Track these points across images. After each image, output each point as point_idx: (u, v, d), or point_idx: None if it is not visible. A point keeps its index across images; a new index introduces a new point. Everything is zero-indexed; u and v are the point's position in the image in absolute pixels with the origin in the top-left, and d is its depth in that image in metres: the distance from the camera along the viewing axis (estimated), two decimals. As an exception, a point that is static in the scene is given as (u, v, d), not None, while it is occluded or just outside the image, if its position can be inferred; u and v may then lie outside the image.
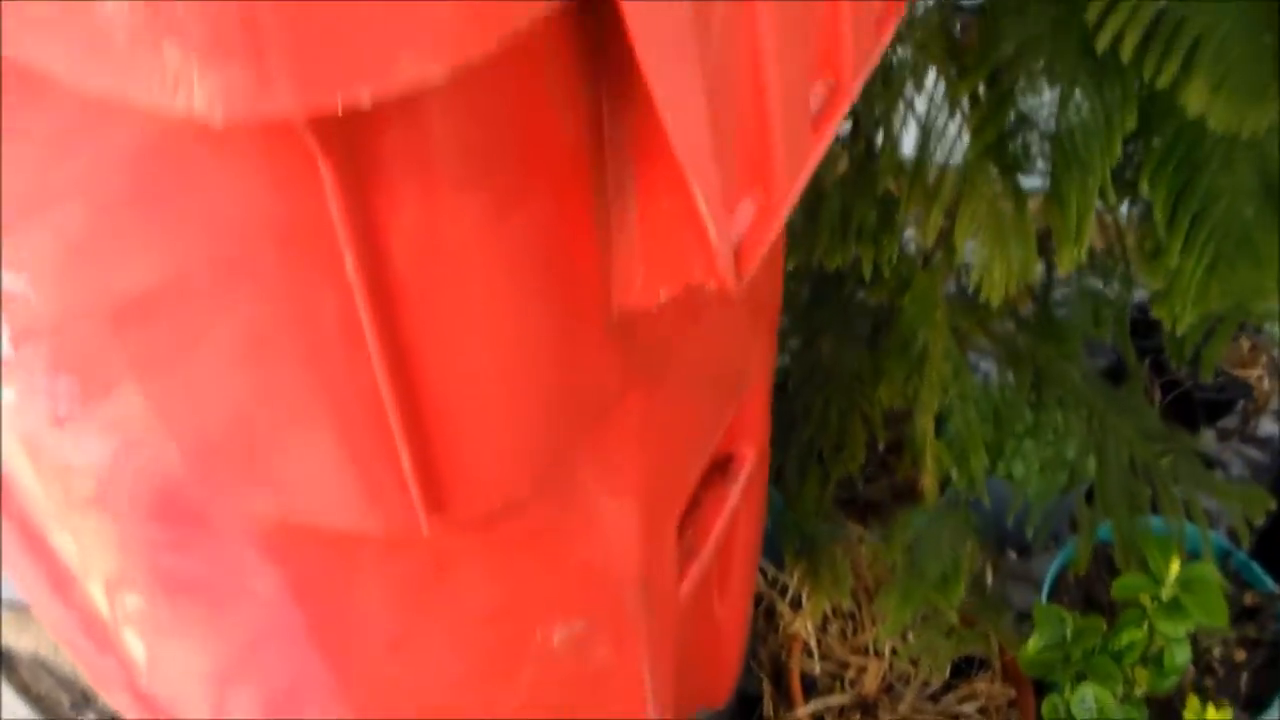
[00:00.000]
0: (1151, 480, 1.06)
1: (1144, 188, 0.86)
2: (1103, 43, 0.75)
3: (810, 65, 0.57)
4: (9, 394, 0.58)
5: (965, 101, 0.89)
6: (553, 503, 0.61)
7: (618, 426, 0.62)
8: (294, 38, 0.31)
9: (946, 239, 0.91)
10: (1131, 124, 0.82)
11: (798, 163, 0.55)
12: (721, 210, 0.49)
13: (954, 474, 1.00)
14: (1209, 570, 0.97)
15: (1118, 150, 0.82)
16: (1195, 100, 0.74)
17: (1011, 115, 0.84)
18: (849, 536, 1.27)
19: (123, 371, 0.51)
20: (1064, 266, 0.84)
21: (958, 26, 0.96)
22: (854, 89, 0.59)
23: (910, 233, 1.00)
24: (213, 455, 0.53)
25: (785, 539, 1.22)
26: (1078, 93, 0.80)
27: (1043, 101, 0.84)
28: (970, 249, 0.92)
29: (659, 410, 0.65)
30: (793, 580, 1.28)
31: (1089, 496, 1.11)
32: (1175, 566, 0.97)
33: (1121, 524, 1.06)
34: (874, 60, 0.62)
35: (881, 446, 1.18)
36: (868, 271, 0.95)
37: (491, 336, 0.48)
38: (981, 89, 0.88)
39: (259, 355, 0.46)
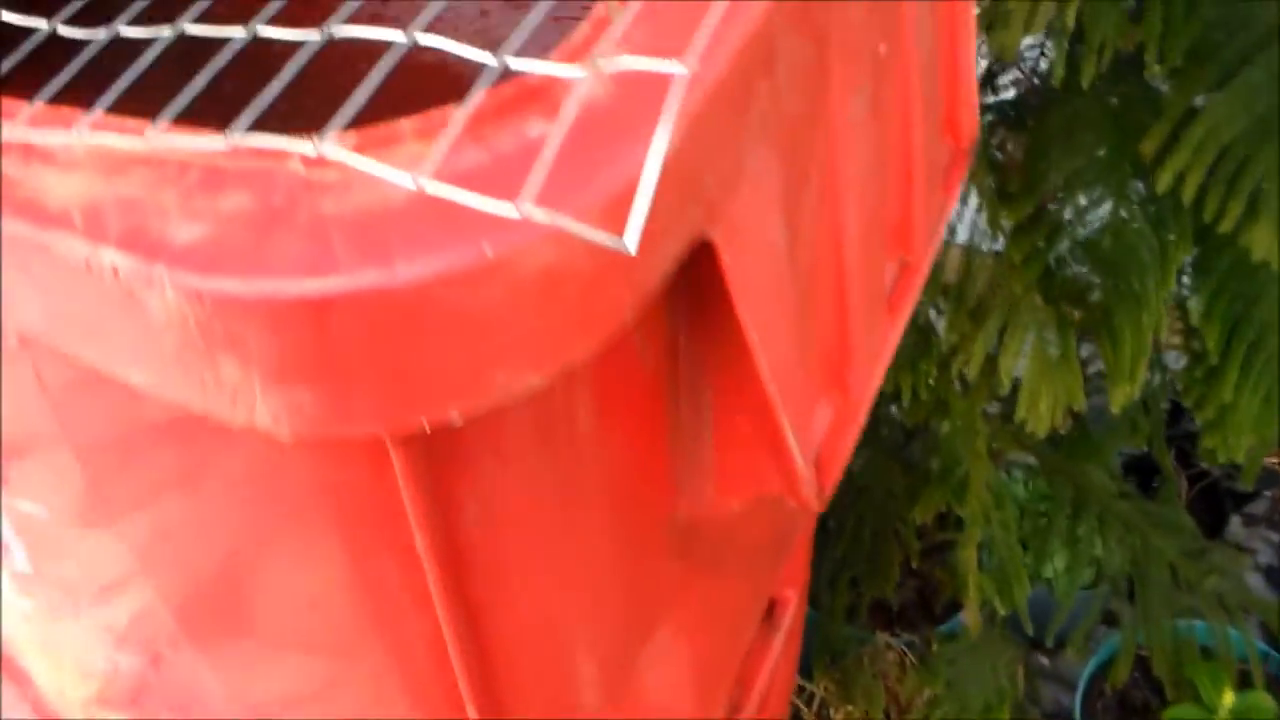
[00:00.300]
0: (1194, 594, 1.02)
1: (1195, 318, 0.82)
2: (1163, 183, 0.72)
3: (885, 245, 0.53)
4: (26, 604, 0.54)
5: (1005, 218, 0.86)
6: (610, 701, 0.57)
7: (678, 616, 0.58)
8: (376, 362, 0.27)
9: (988, 364, 0.88)
10: (1186, 254, 0.79)
11: (875, 356, 0.52)
12: (804, 429, 0.46)
13: (997, 603, 0.96)
14: (1264, 700, 0.94)
15: (1173, 284, 0.78)
16: (1260, 245, 0.71)
17: (1060, 246, 0.81)
18: (876, 645, 1.22)
19: (165, 616, 0.47)
20: (1116, 405, 0.81)
21: (991, 130, 0.93)
22: (926, 265, 0.56)
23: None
24: (258, 704, 0.49)
25: (814, 652, 1.18)
26: (1132, 226, 0.77)
27: (1092, 231, 0.80)
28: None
29: (717, 593, 0.61)
30: (819, 689, 1.23)
31: (1129, 596, 1.08)
32: (1229, 698, 0.93)
33: (1164, 646, 1.02)
34: (943, 225, 0.58)
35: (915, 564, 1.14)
36: (906, 397, 0.91)
37: (560, 576, 0.44)
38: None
39: (309, 611, 0.42)
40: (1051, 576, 1.26)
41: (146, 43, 0.32)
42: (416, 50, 0.30)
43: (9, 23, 0.35)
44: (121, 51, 0.33)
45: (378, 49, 0.30)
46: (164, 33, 0.32)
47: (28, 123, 0.31)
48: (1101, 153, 0.77)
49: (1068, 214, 0.80)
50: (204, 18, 0.33)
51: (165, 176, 0.29)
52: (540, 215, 0.25)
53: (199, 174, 0.29)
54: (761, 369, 0.40)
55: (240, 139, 0.27)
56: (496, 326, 0.28)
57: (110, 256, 0.28)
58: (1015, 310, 0.83)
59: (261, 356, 0.27)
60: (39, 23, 0.34)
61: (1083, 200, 0.79)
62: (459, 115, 0.26)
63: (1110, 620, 1.35)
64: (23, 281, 0.30)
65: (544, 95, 0.29)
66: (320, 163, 0.28)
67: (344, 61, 0.33)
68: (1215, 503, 1.45)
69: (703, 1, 0.33)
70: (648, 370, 0.41)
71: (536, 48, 0.30)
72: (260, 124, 0.29)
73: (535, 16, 0.29)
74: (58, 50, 0.34)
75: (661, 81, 0.29)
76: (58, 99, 0.32)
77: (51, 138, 0.30)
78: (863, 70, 0.44)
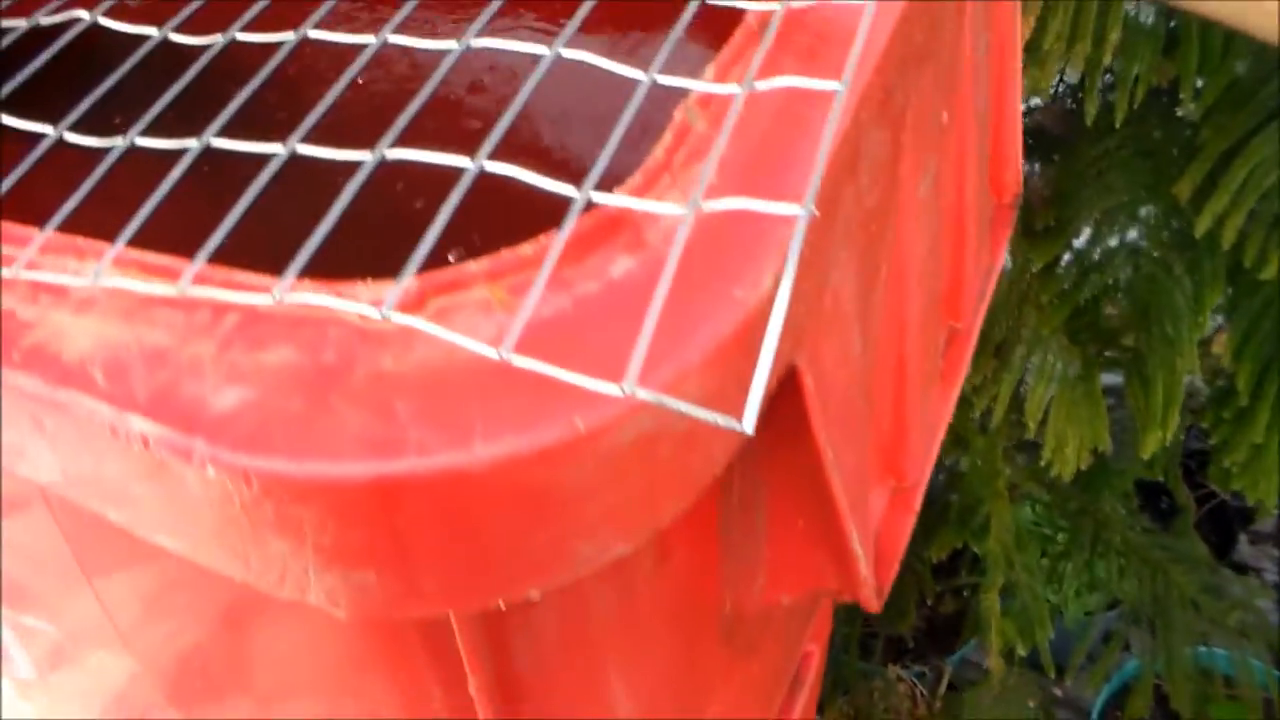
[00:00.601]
0: (1217, 626, 1.01)
1: (1225, 358, 0.80)
2: (1202, 227, 0.69)
3: (939, 317, 0.50)
4: (27, 707, 0.51)
5: (1031, 258, 0.83)
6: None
7: (722, 697, 0.55)
8: (449, 543, 0.24)
9: (1012, 407, 0.85)
10: (1218, 295, 0.76)
11: (930, 435, 0.49)
12: (863, 528, 0.43)
13: (1018, 645, 0.93)
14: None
15: (1207, 326, 0.76)
16: (1305, 292, 0.68)
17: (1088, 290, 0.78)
18: (887, 677, 1.20)
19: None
20: (1146, 451, 0.78)
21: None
22: (976, 331, 0.53)
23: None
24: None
25: (826, 688, 1.15)
26: (1166, 269, 0.75)
27: (1123, 273, 0.78)
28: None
29: (757, 666, 0.58)
30: (827, 725, 1.21)
31: (1145, 623, 1.06)
32: (1254, 739, 0.91)
33: (1184, 679, 1.00)
34: (991, 287, 0.55)
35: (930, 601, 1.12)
36: (926, 437, 0.88)
37: (614, 688, 0.41)
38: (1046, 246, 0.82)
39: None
40: (1060, 603, 1.24)
41: (168, 153, 0.29)
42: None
43: (8, 126, 0.31)
44: (138, 162, 0.30)
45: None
46: (188, 145, 0.28)
47: (38, 253, 0.27)
48: (1135, 193, 0.75)
49: (1097, 255, 0.77)
50: (233, 125, 0.29)
51: (197, 322, 0.26)
52: (648, 396, 0.21)
53: (236, 319, 0.26)
54: (834, 484, 0.37)
55: (290, 295, 0.23)
56: (584, 500, 0.24)
57: (140, 425, 0.24)
58: (1041, 352, 0.80)
59: (318, 539, 0.24)
60: (44, 129, 0.30)
61: (1114, 242, 0.76)
62: (543, 270, 0.23)
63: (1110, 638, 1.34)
64: (35, 439, 0.27)
65: (626, 225, 0.26)
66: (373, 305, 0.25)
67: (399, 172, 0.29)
68: (1223, 522, 1.44)
69: (788, 103, 0.30)
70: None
71: (614, 161, 0.27)
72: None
73: (615, 138, 0.26)
74: (66, 159, 0.31)
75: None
76: (69, 224, 0.28)
77: (66, 278, 0.26)
78: (929, 144, 0.41)
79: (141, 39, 0.34)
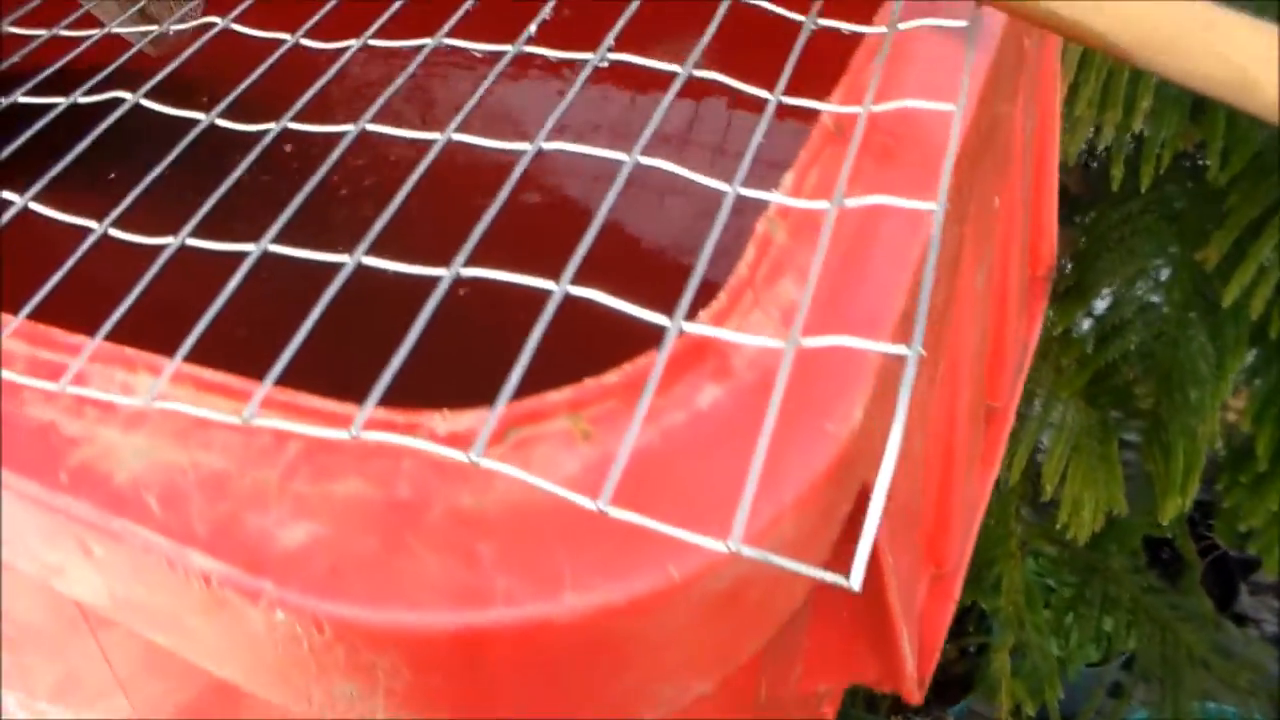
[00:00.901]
0: (1226, 686, 1.00)
1: (1245, 422, 0.79)
2: (1229, 298, 0.68)
3: (981, 402, 0.49)
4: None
5: (1052, 321, 0.82)
6: None
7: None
8: (529, 689, 0.23)
9: (1028, 470, 0.84)
10: (1241, 361, 0.76)
11: (970, 518, 0.47)
12: (912, 628, 0.41)
13: (1027, 704, 0.92)
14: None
15: (1228, 392, 0.75)
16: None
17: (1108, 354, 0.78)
18: (889, 730, 1.18)
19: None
20: (1165, 517, 0.77)
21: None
22: (1014, 408, 0.52)
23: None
24: None
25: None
26: (1189, 335, 0.74)
27: (1145, 338, 0.77)
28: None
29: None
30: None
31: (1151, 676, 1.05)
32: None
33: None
34: (1028, 362, 0.54)
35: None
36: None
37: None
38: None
39: None
40: (1066, 657, 1.23)
41: (223, 257, 0.28)
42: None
43: (48, 217, 0.30)
44: (191, 262, 0.28)
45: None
46: (246, 249, 0.27)
47: (86, 362, 0.26)
48: (1158, 257, 0.74)
49: (1118, 319, 0.77)
50: (293, 227, 0.28)
51: (257, 446, 0.24)
52: (754, 554, 0.20)
53: (300, 445, 0.24)
54: (890, 587, 0.35)
55: (366, 433, 0.22)
56: (671, 645, 0.23)
57: (201, 561, 0.23)
58: (1059, 414, 0.79)
59: (390, 684, 0.23)
60: (88, 223, 0.29)
61: (1135, 305, 0.75)
62: (638, 413, 0.22)
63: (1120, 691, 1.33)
64: (81, 562, 0.25)
65: (712, 352, 0.25)
66: (452, 439, 0.24)
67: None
68: (1225, 573, 1.43)
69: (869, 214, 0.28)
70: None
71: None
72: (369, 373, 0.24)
73: (704, 260, 0.25)
74: (103, 249, 0.29)
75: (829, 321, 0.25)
76: (118, 332, 0.27)
77: (118, 397, 0.25)
78: (985, 232, 0.40)
79: (186, 121, 0.33)
